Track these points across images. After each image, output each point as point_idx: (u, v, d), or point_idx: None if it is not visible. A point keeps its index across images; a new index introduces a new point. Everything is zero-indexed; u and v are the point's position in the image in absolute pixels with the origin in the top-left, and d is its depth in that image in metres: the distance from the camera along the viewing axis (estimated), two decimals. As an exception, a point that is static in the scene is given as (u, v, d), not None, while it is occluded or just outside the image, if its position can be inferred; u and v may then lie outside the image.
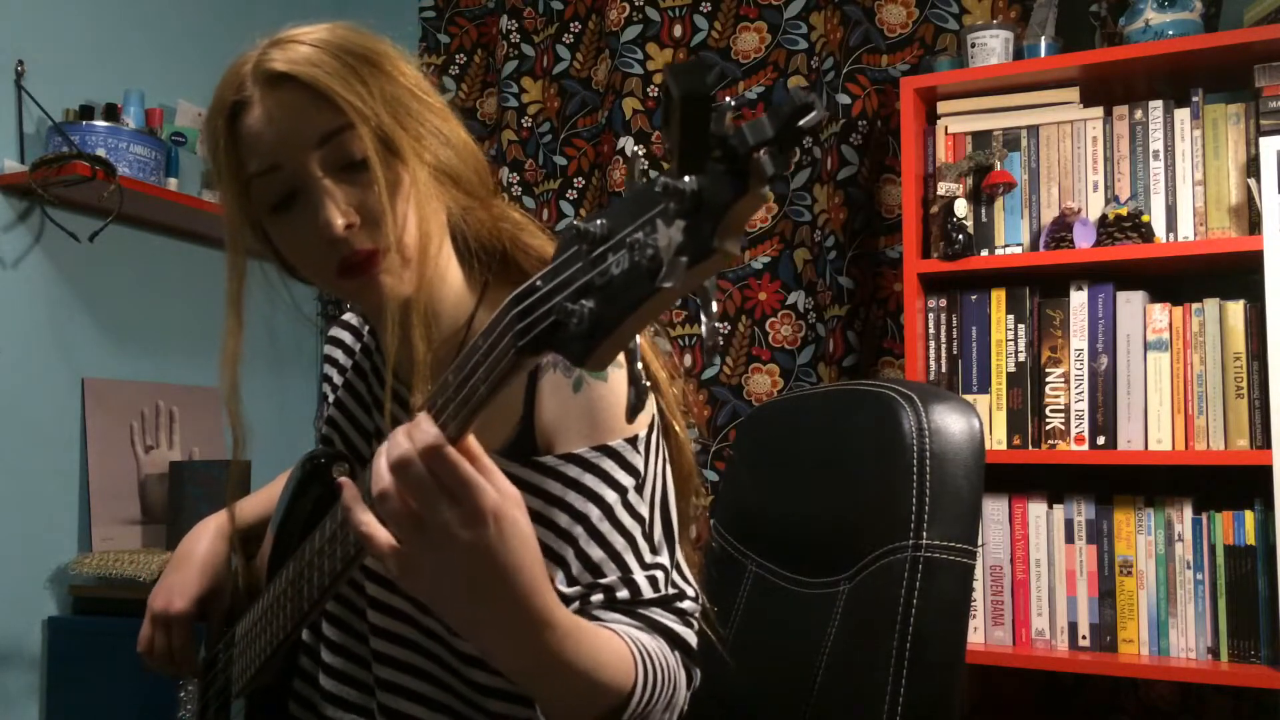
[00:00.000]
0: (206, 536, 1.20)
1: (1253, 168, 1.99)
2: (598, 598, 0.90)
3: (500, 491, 0.72)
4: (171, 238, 2.59)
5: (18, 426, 2.23)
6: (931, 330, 2.18)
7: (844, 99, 2.48)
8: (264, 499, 1.25)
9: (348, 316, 1.23)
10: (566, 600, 0.91)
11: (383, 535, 0.73)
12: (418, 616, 1.00)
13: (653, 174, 0.60)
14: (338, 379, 1.17)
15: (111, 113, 2.30)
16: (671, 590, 0.94)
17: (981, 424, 1.15)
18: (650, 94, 2.74)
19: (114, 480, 2.39)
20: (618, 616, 0.89)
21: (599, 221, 0.59)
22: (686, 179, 0.52)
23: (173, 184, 2.41)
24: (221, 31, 2.72)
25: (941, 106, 2.22)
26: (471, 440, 0.72)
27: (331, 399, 1.17)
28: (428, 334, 0.93)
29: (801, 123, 0.50)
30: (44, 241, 2.30)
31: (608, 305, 0.58)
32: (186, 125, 2.58)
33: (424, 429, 0.71)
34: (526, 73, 2.91)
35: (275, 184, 0.93)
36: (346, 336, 1.20)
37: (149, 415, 2.49)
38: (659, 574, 0.93)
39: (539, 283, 0.64)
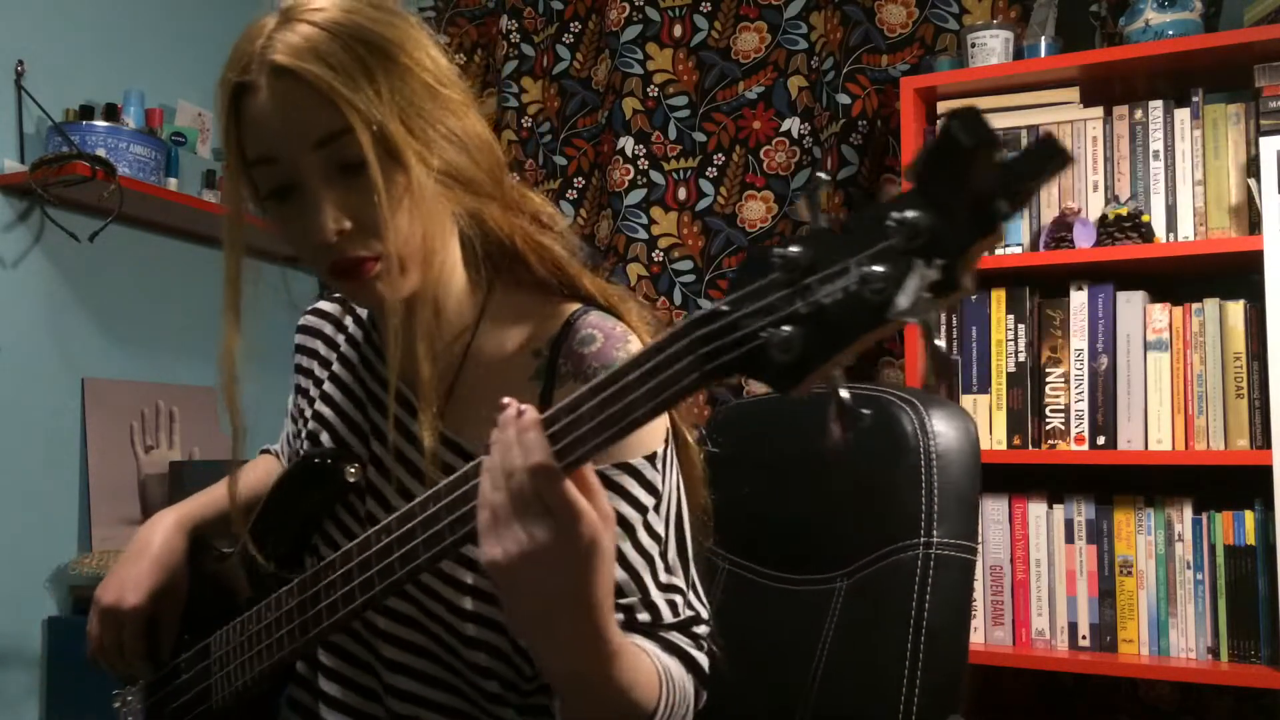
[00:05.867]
0: (163, 529, 1.13)
1: (1253, 168, 1.99)
2: (619, 618, 0.89)
3: (601, 513, 0.73)
4: (171, 238, 2.59)
5: (18, 426, 2.23)
6: (932, 330, 2.18)
7: (844, 99, 2.48)
8: (223, 494, 1.19)
9: (323, 305, 1.18)
10: None
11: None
12: (425, 622, 0.99)
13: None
14: (320, 372, 1.13)
15: (111, 113, 2.30)
16: (688, 614, 0.93)
17: (976, 428, 1.19)
18: (650, 94, 2.74)
19: (114, 480, 2.39)
20: (638, 638, 0.89)
21: (797, 249, 0.60)
22: (917, 214, 0.55)
23: (173, 184, 2.42)
24: (221, 31, 2.71)
25: (941, 106, 2.22)
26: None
27: (315, 393, 1.13)
28: (431, 346, 0.91)
29: (1050, 169, 0.53)
30: (44, 241, 2.30)
31: (818, 334, 0.59)
32: (186, 125, 2.58)
33: (533, 440, 0.71)
34: (526, 73, 2.91)
35: (272, 174, 0.90)
36: (326, 326, 1.16)
37: (149, 415, 2.49)
38: (677, 597, 0.92)
39: (725, 307, 0.64)
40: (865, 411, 0.61)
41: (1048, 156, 0.53)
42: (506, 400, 0.74)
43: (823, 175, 0.64)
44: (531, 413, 0.72)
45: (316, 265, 0.92)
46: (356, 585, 0.87)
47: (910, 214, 0.55)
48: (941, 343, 0.58)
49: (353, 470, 1.01)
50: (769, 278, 0.62)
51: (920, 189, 0.55)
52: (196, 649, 1.09)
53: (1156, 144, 2.08)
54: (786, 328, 0.60)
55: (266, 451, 1.29)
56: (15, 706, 2.21)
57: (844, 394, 0.61)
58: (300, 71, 0.86)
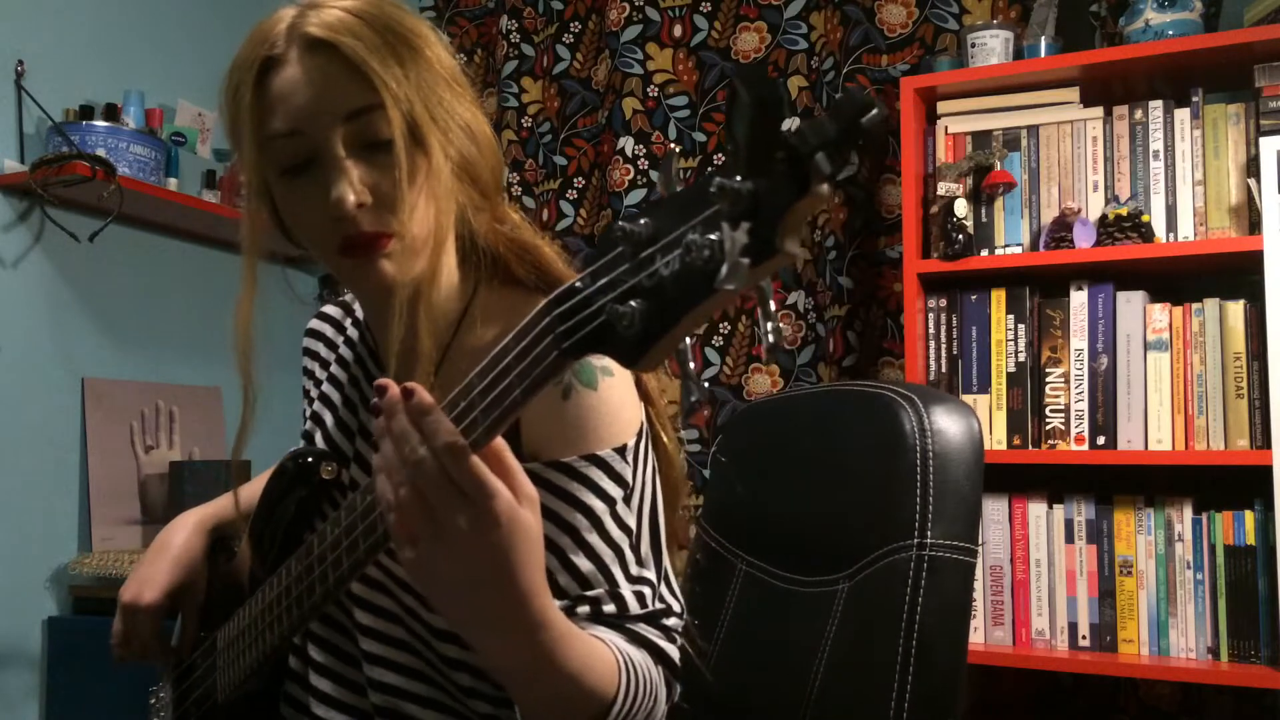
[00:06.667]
0: (184, 529, 1.17)
1: (1253, 168, 1.99)
2: (584, 610, 0.89)
3: (518, 492, 0.72)
4: (171, 238, 2.59)
5: (18, 426, 2.23)
6: (931, 330, 2.18)
7: (844, 99, 2.48)
8: (253, 493, 1.22)
9: (327, 308, 1.20)
10: None
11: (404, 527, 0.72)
12: (404, 617, 0.99)
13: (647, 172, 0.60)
14: (320, 373, 1.15)
15: (111, 113, 2.30)
16: (658, 606, 0.93)
17: (980, 425, 1.17)
18: (650, 94, 2.74)
19: (114, 480, 2.39)
20: (603, 629, 0.89)
21: (642, 221, 0.59)
22: (739, 179, 0.52)
23: (173, 184, 2.42)
24: (221, 31, 2.72)
25: (941, 106, 2.22)
26: (497, 438, 0.71)
27: (315, 394, 1.14)
28: (435, 323, 0.92)
29: (863, 122, 0.50)
30: (44, 241, 2.30)
31: (659, 307, 0.57)
32: (186, 125, 2.58)
33: (434, 422, 0.69)
34: (526, 73, 2.91)
35: (293, 148, 0.91)
36: (327, 329, 1.18)
37: (149, 415, 2.49)
38: (646, 589, 0.92)
39: (579, 284, 0.63)
40: (705, 385, 0.60)
41: (858, 108, 0.50)
42: (383, 381, 0.73)
43: (674, 147, 0.63)
44: (423, 394, 0.70)
45: (326, 243, 0.92)
46: (316, 578, 0.89)
47: (730, 178, 0.53)
48: (773, 306, 0.56)
49: (329, 469, 1.02)
50: (616, 251, 0.60)
51: (740, 151, 0.53)
52: (206, 645, 1.12)
53: (1156, 144, 2.08)
54: (632, 302, 0.59)
55: None
56: (15, 706, 2.21)
57: (691, 366, 0.60)
58: (337, 43, 0.89)
